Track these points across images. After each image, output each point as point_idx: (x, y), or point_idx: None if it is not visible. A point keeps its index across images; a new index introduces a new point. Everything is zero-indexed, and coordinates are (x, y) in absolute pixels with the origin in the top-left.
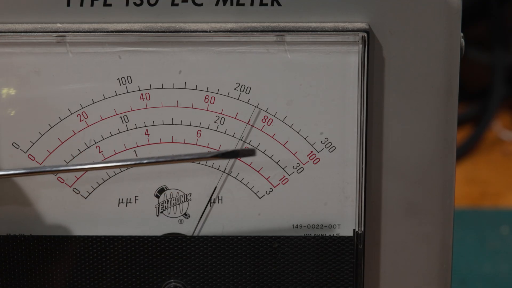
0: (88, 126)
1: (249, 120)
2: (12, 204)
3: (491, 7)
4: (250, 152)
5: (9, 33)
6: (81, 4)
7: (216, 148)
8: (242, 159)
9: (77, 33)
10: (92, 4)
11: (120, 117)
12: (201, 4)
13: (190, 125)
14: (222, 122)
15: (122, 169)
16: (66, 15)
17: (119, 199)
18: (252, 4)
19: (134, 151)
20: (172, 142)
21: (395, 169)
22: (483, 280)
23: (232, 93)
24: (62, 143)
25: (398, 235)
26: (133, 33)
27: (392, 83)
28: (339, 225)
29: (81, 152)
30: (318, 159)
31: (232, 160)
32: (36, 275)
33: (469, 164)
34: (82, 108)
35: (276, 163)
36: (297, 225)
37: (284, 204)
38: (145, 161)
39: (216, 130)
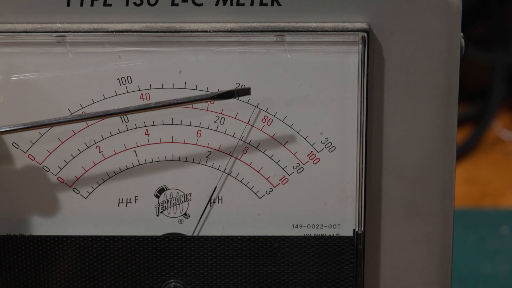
0: (88, 126)
1: (249, 120)
2: (12, 204)
3: (491, 7)
4: (246, 91)
5: (9, 33)
6: (81, 4)
7: (216, 148)
8: (242, 158)
9: (77, 33)
10: (92, 4)
11: (120, 117)
12: (201, 4)
13: (190, 125)
14: (222, 122)
15: (122, 169)
16: (66, 15)
17: (119, 199)
18: (252, 4)
19: (134, 151)
20: (172, 142)
21: (395, 169)
22: (483, 280)
23: None
24: (62, 143)
25: (398, 235)
26: (133, 33)
27: (392, 83)
28: (339, 225)
29: (81, 152)
30: (318, 159)
31: (232, 160)
32: (36, 275)
33: (469, 164)
34: (82, 108)
35: (276, 163)
36: (297, 225)
37: (284, 204)
38: (138, 108)
39: (216, 130)
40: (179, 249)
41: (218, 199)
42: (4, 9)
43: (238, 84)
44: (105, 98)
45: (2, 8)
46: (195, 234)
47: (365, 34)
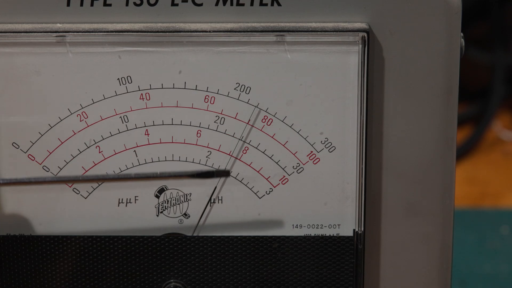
0: (88, 126)
1: (249, 120)
2: (12, 204)
3: (491, 7)
4: (225, 173)
5: (9, 33)
6: (81, 4)
7: (216, 148)
8: (242, 158)
9: (77, 33)
10: (92, 4)
11: (120, 117)
12: (201, 4)
13: (190, 125)
14: (222, 122)
15: (122, 169)
16: (66, 15)
17: (119, 199)
18: (252, 4)
19: (134, 151)
20: (172, 142)
21: (395, 169)
22: (483, 280)
23: (232, 93)
24: (62, 143)
25: (398, 235)
26: (133, 33)
27: (392, 83)
28: (339, 225)
29: (81, 152)
30: (318, 159)
31: (232, 160)
32: (36, 275)
33: (469, 164)
34: (82, 108)
35: (276, 163)
36: (297, 225)
37: (284, 204)
38: (118, 177)
39: (216, 130)
40: (179, 249)
41: (218, 199)
42: (4, 9)
43: (238, 84)
44: (105, 98)
45: (2, 8)
46: (195, 234)
47: (365, 34)
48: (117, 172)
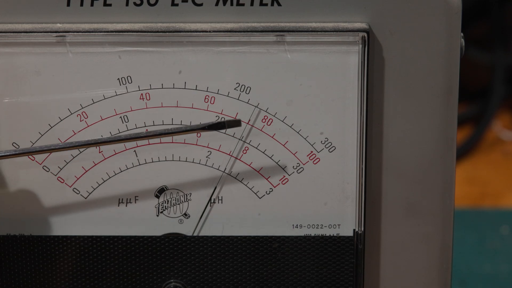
0: (88, 126)
1: (249, 120)
2: (12, 204)
3: (491, 7)
4: (236, 123)
5: (9, 33)
6: (81, 4)
7: (216, 148)
8: (242, 158)
9: (77, 33)
10: (92, 4)
11: (120, 117)
12: (201, 4)
13: (190, 125)
14: None
15: (122, 169)
16: (66, 15)
17: (119, 199)
18: (252, 4)
19: (134, 151)
20: (172, 142)
21: (395, 169)
22: (483, 280)
23: (232, 93)
24: (62, 143)
25: (398, 235)
26: (133, 33)
27: (392, 83)
28: (339, 225)
29: (81, 152)
30: (318, 159)
31: (232, 160)
32: (36, 275)
33: (469, 164)
34: (82, 108)
35: (276, 163)
36: (297, 225)
37: (284, 204)
38: (129, 137)
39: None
40: (179, 249)
41: (218, 199)
42: (4, 9)
43: (238, 84)
44: (105, 98)
45: (2, 8)
46: (195, 234)
47: (365, 34)
48: (117, 173)
